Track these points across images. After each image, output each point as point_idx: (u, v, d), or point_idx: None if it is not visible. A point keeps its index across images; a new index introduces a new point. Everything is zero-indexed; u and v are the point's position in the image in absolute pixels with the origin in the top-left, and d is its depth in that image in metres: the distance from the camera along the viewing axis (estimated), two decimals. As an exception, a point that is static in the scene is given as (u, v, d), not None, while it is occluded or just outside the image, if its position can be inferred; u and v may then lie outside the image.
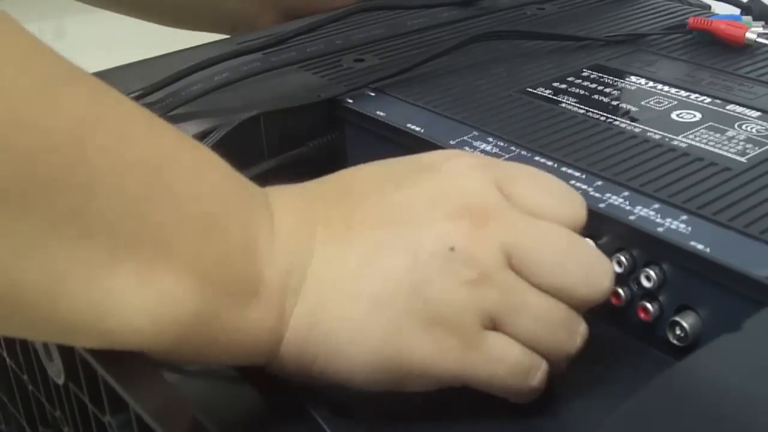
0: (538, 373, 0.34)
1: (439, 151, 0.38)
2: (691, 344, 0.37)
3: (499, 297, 0.33)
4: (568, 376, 0.36)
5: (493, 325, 0.33)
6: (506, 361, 0.33)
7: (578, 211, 0.36)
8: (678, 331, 0.37)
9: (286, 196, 0.35)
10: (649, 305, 0.38)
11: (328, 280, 0.33)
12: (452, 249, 0.33)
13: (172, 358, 0.33)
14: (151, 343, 0.30)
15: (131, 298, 0.29)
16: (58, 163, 0.27)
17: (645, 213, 0.39)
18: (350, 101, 0.51)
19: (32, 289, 0.28)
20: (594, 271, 0.35)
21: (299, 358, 0.33)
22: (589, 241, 0.37)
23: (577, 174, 0.42)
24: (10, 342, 0.40)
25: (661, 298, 0.38)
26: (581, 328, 0.35)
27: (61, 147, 0.27)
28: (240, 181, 0.34)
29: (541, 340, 0.34)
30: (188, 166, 0.31)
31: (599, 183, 0.41)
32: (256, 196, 0.34)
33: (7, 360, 0.41)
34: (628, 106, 0.49)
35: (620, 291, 0.39)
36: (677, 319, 0.37)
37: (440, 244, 0.33)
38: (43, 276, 0.28)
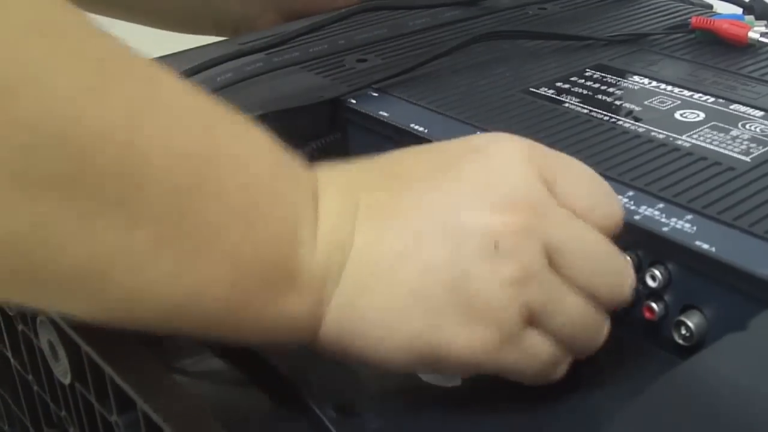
0: (563, 366, 0.35)
1: (487, 135, 0.38)
2: (697, 344, 0.37)
3: (539, 295, 0.33)
4: (573, 376, 0.36)
5: (531, 320, 0.34)
6: (540, 358, 0.34)
7: (617, 216, 0.36)
8: (683, 331, 0.37)
9: (333, 179, 0.35)
10: (654, 305, 0.38)
11: (368, 267, 0.33)
12: (496, 245, 0.33)
13: (205, 338, 0.33)
14: (183, 326, 0.31)
15: (167, 289, 0.29)
16: (109, 151, 0.27)
17: (650, 213, 0.39)
18: (353, 101, 0.51)
19: (79, 273, 0.28)
20: (622, 278, 0.36)
21: (338, 342, 0.33)
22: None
23: (582, 174, 0.42)
24: (14, 342, 0.40)
25: (666, 297, 0.38)
26: (606, 328, 0.36)
27: (112, 136, 0.27)
28: (288, 166, 0.34)
29: (573, 337, 0.35)
30: (237, 156, 0.31)
31: (604, 183, 0.41)
32: (304, 182, 0.34)
33: (12, 360, 0.41)
34: (632, 106, 0.49)
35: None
36: (682, 318, 0.37)
37: (485, 238, 0.33)
38: (86, 258, 0.28)
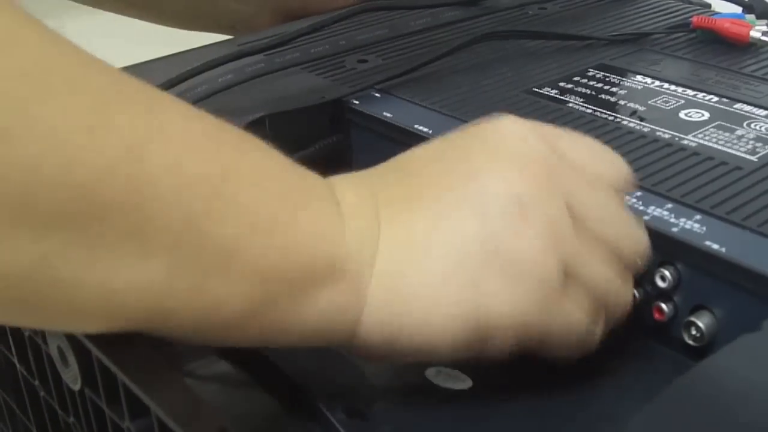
0: (599, 329, 0.35)
1: (485, 119, 0.38)
2: (707, 344, 0.37)
3: (571, 246, 0.33)
4: (583, 375, 0.36)
5: (567, 275, 0.34)
6: (584, 310, 0.34)
7: (622, 171, 0.37)
8: (693, 332, 0.37)
9: (346, 181, 0.35)
10: (663, 305, 0.38)
11: (399, 252, 0.33)
12: (521, 201, 0.33)
13: (239, 345, 0.33)
14: (208, 336, 0.31)
15: (185, 306, 0.30)
16: (113, 186, 0.27)
17: (659, 213, 0.39)
18: (356, 102, 0.51)
19: (91, 304, 0.28)
20: (640, 236, 0.36)
21: (383, 331, 0.33)
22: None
23: (589, 174, 0.42)
24: (21, 348, 0.39)
25: (675, 298, 0.38)
26: (632, 289, 0.36)
27: (117, 169, 0.27)
28: (299, 173, 0.34)
29: (607, 292, 0.35)
30: (249, 172, 0.31)
31: (611, 183, 0.41)
32: (317, 186, 0.34)
33: (18, 366, 0.41)
34: (636, 106, 0.49)
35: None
36: (692, 319, 0.37)
37: (508, 197, 0.33)
38: (102, 292, 0.28)
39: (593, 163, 0.36)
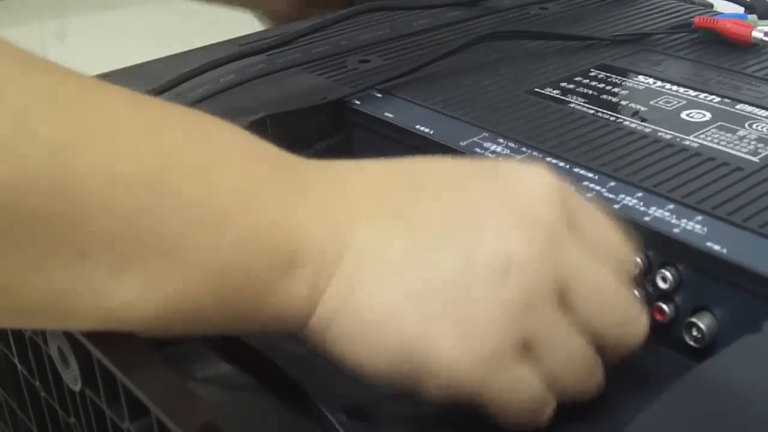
0: (548, 410, 0.33)
1: (515, 162, 0.37)
2: (708, 345, 0.37)
3: (540, 329, 0.32)
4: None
5: (525, 352, 0.32)
6: (527, 394, 0.32)
7: (629, 261, 0.36)
8: (695, 332, 0.37)
9: (336, 169, 0.34)
10: (665, 306, 0.38)
11: (368, 264, 0.32)
12: (509, 261, 0.31)
13: (199, 334, 0.33)
14: (169, 329, 0.31)
15: (136, 306, 0.29)
16: (41, 194, 0.27)
17: (660, 214, 0.39)
18: (357, 102, 0.51)
19: (39, 306, 0.29)
20: (634, 325, 0.35)
21: (325, 333, 0.32)
22: (635, 293, 0.36)
23: (590, 175, 0.42)
24: (21, 348, 0.39)
25: (677, 299, 0.38)
26: (600, 377, 0.34)
27: (42, 179, 0.27)
28: (264, 161, 0.33)
29: (565, 380, 0.33)
30: (194, 165, 0.30)
31: (612, 184, 0.41)
32: (289, 177, 0.33)
33: (18, 366, 0.41)
34: (638, 106, 0.49)
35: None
36: (694, 320, 0.37)
37: (497, 256, 0.31)
38: (46, 294, 0.28)
39: (606, 244, 0.35)
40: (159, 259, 0.29)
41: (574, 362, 0.33)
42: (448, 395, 0.33)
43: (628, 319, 0.34)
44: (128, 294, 0.29)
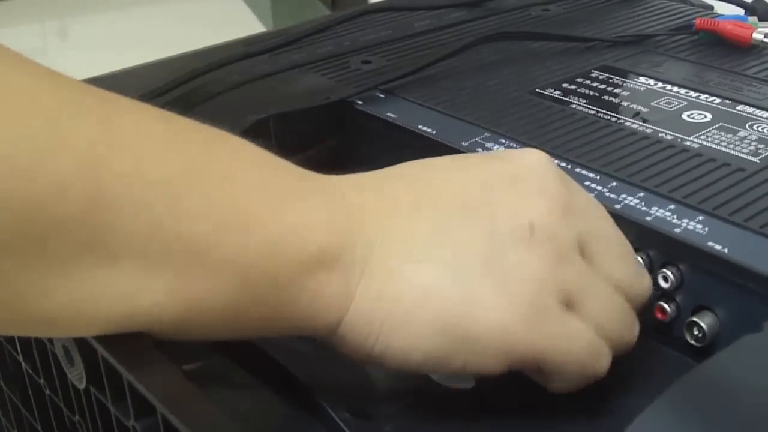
0: (605, 358, 0.34)
1: (518, 150, 0.38)
2: (709, 345, 0.37)
3: (576, 277, 0.33)
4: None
5: (568, 303, 0.33)
6: (580, 343, 0.33)
7: (626, 244, 0.37)
8: (696, 332, 0.37)
9: (349, 179, 0.35)
10: (666, 306, 0.38)
11: (397, 251, 0.32)
12: (531, 224, 0.33)
13: (225, 337, 0.34)
14: (193, 331, 0.32)
15: (161, 307, 0.30)
16: (71, 201, 0.27)
17: (661, 214, 0.39)
18: (360, 103, 0.51)
19: (56, 315, 0.29)
20: (643, 276, 0.37)
21: (362, 329, 0.32)
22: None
23: (592, 175, 0.42)
24: (26, 346, 0.40)
25: (678, 298, 0.38)
26: (637, 322, 0.36)
27: (73, 186, 0.27)
28: (285, 169, 0.33)
29: (610, 326, 0.34)
30: (220, 170, 0.31)
31: (614, 184, 0.41)
32: (306, 181, 0.33)
33: (23, 364, 0.41)
34: (639, 107, 0.49)
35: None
36: (695, 319, 0.37)
37: (519, 219, 0.33)
38: (66, 301, 0.28)
39: (601, 221, 0.36)
40: (187, 261, 0.30)
41: (615, 309, 0.35)
42: (503, 361, 0.33)
43: (637, 268, 0.37)
44: (155, 295, 0.29)
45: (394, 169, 0.36)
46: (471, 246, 0.33)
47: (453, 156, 0.37)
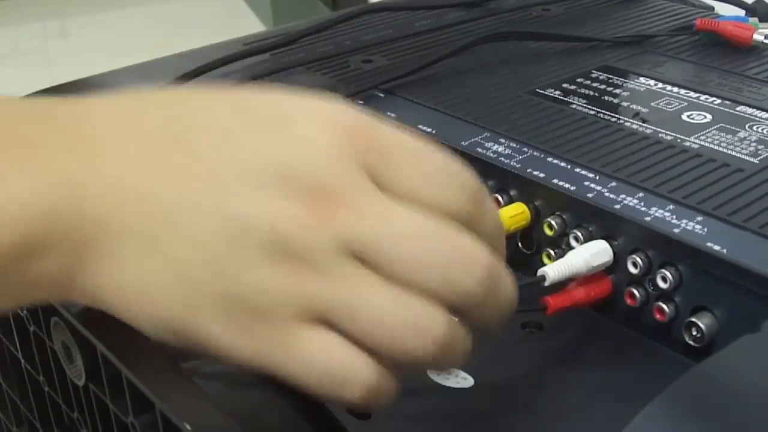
0: (357, 385, 0.29)
1: (303, 100, 0.32)
2: (707, 345, 0.37)
3: (326, 293, 0.28)
4: (583, 375, 0.36)
5: (322, 321, 0.29)
6: (317, 366, 0.29)
7: (470, 187, 0.31)
8: (694, 332, 0.37)
9: (78, 119, 0.30)
10: (664, 306, 0.38)
11: (126, 234, 0.28)
12: (272, 230, 0.28)
13: None
14: None
15: None
16: None
17: (660, 214, 0.39)
18: (360, 102, 0.51)
19: None
20: (470, 271, 0.30)
21: (94, 298, 0.30)
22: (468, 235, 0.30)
23: (591, 175, 0.42)
24: (25, 343, 0.40)
25: (676, 299, 0.38)
26: (435, 332, 0.29)
27: None
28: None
29: (382, 345, 0.29)
30: None
31: (613, 184, 0.41)
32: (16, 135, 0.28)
33: (22, 361, 0.41)
34: (639, 107, 0.49)
35: (636, 292, 0.39)
36: (694, 320, 0.37)
37: (264, 232, 0.28)
38: None
39: (425, 193, 0.30)
40: None
41: (388, 322, 0.29)
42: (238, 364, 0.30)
43: (459, 264, 0.29)
44: None
45: (148, 110, 0.31)
46: (205, 249, 0.28)
47: (224, 108, 0.30)
